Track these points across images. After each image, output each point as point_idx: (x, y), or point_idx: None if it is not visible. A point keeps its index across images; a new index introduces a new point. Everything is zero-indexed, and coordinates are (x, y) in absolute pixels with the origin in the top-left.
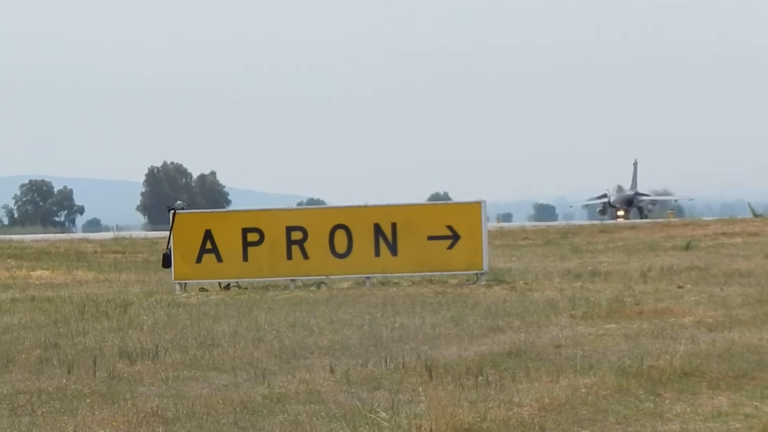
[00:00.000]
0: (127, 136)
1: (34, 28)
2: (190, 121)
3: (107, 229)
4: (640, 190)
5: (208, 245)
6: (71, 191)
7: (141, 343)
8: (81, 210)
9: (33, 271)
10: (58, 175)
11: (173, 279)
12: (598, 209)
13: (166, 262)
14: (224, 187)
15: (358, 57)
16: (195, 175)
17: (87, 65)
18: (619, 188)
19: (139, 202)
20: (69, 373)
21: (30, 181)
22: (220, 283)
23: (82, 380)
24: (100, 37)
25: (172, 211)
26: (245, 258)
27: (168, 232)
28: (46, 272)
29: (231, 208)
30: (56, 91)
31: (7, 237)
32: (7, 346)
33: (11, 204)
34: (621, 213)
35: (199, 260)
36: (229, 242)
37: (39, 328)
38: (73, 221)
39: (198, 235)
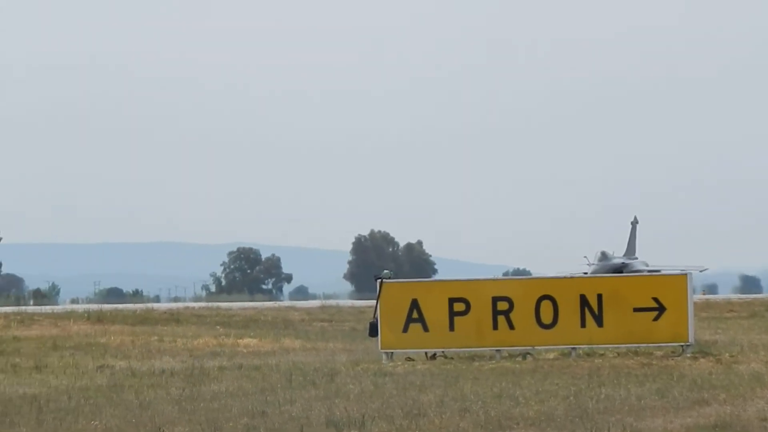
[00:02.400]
0: (334, 205)
1: (246, 103)
2: (396, 190)
3: (314, 297)
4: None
5: (415, 314)
6: (279, 259)
7: (348, 412)
8: (288, 278)
9: (241, 339)
10: (266, 243)
11: (380, 348)
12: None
13: (373, 331)
14: (430, 256)
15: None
16: (401, 244)
17: (295, 138)
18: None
19: (345, 271)
20: None
21: (238, 248)
22: (426, 353)
23: None
24: (307, 110)
25: (379, 280)
26: (451, 328)
27: (375, 301)
28: (254, 340)
29: (437, 277)
30: (264, 160)
31: (215, 305)
32: (214, 413)
33: (219, 272)
34: None
35: (405, 329)
36: (435, 312)
37: (246, 396)
38: (280, 289)
39: (405, 305)
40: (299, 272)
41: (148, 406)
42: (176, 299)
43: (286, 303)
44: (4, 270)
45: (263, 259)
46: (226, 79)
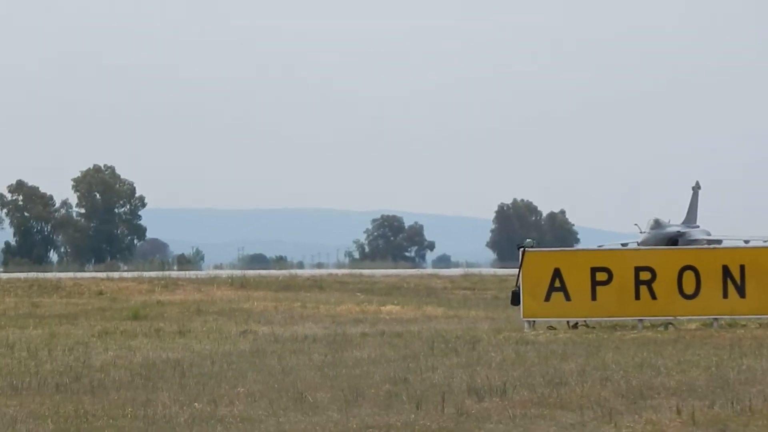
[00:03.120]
0: (478, 174)
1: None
2: (540, 160)
3: (457, 265)
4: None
5: (557, 283)
6: (422, 227)
7: (489, 380)
8: (431, 246)
9: (383, 305)
10: (409, 211)
11: (522, 317)
12: None
13: (515, 299)
14: (573, 225)
15: None
16: (544, 213)
17: (454, 103)
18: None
19: (488, 239)
20: (418, 408)
21: (382, 216)
22: (568, 322)
23: (431, 416)
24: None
25: (522, 249)
26: (593, 297)
27: (517, 270)
28: (396, 307)
29: (579, 246)
30: (413, 131)
31: (358, 271)
32: (357, 380)
33: (363, 239)
34: None
35: (547, 298)
36: (577, 281)
37: (388, 362)
38: (423, 257)
39: (547, 274)
40: (442, 240)
41: (291, 371)
42: (319, 266)
43: (429, 271)
44: (149, 235)
45: (406, 227)
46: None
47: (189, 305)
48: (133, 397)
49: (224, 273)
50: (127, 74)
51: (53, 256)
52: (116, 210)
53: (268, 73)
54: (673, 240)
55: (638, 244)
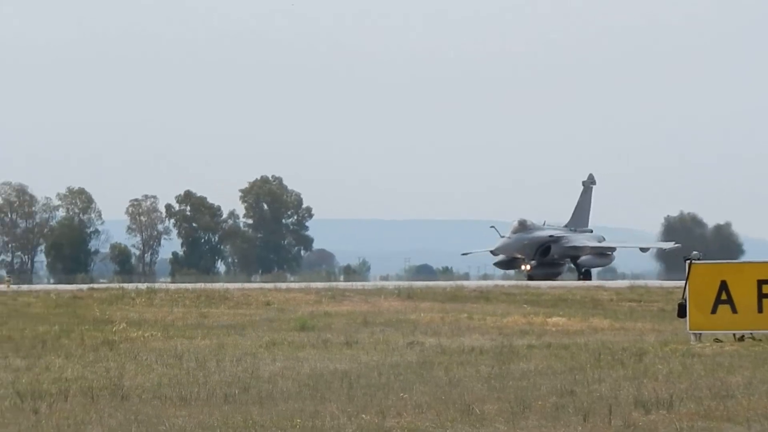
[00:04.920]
0: (644, 186)
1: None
2: (706, 170)
3: (623, 277)
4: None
5: (723, 296)
6: None
7: (656, 392)
8: None
9: (549, 317)
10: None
11: (688, 329)
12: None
13: (682, 311)
14: (739, 237)
15: None
16: (710, 225)
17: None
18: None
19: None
20: (584, 420)
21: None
22: (734, 334)
23: (598, 428)
24: None
25: (688, 262)
26: (760, 309)
27: (684, 282)
28: (562, 319)
29: (745, 259)
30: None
31: (524, 283)
32: (523, 391)
33: None
34: (526, 268)
35: (714, 311)
36: (744, 293)
37: (555, 374)
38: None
39: (713, 286)
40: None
41: (458, 383)
42: (485, 277)
43: (595, 282)
44: (316, 245)
45: None
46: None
47: (356, 316)
48: (301, 408)
49: (391, 284)
50: (303, 84)
51: (221, 267)
52: (284, 220)
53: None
54: (545, 246)
55: (492, 252)
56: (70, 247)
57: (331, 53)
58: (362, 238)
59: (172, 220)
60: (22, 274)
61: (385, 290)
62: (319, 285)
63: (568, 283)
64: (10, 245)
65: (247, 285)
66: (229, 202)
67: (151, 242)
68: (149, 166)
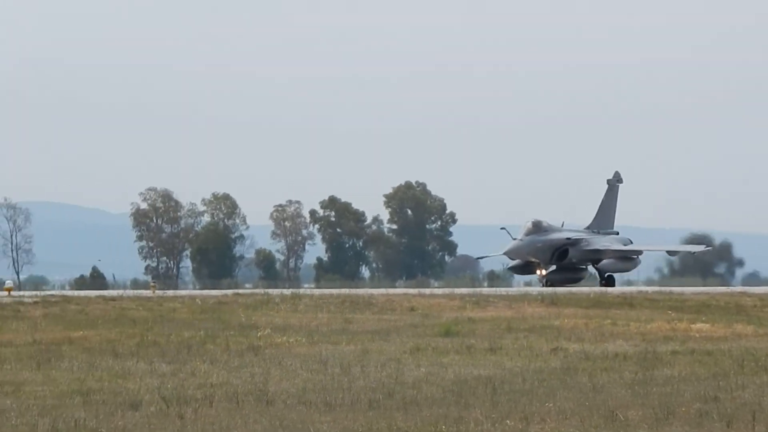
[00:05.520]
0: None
1: None
2: None
3: (767, 283)
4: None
5: None
6: (730, 244)
7: None
8: (740, 263)
9: (693, 323)
10: (718, 229)
11: None
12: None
13: None
14: None
15: None
16: None
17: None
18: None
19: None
20: (728, 427)
21: (690, 234)
22: None
23: None
24: None
25: None
26: None
27: None
28: (706, 325)
29: None
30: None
31: (668, 289)
32: (667, 398)
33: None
34: (542, 273)
35: None
36: None
37: (698, 381)
38: (732, 274)
39: None
40: (752, 258)
41: (601, 389)
42: (629, 283)
43: (739, 288)
44: (459, 251)
45: (717, 244)
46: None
47: (500, 322)
48: (446, 414)
49: (534, 290)
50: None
51: (365, 272)
52: (427, 226)
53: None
54: (562, 250)
55: (505, 254)
56: (215, 252)
57: (472, 59)
58: (506, 243)
59: (317, 226)
60: (167, 279)
61: (529, 296)
62: (463, 291)
63: (711, 289)
64: (155, 250)
65: (391, 290)
66: (374, 207)
67: (296, 247)
68: (293, 172)
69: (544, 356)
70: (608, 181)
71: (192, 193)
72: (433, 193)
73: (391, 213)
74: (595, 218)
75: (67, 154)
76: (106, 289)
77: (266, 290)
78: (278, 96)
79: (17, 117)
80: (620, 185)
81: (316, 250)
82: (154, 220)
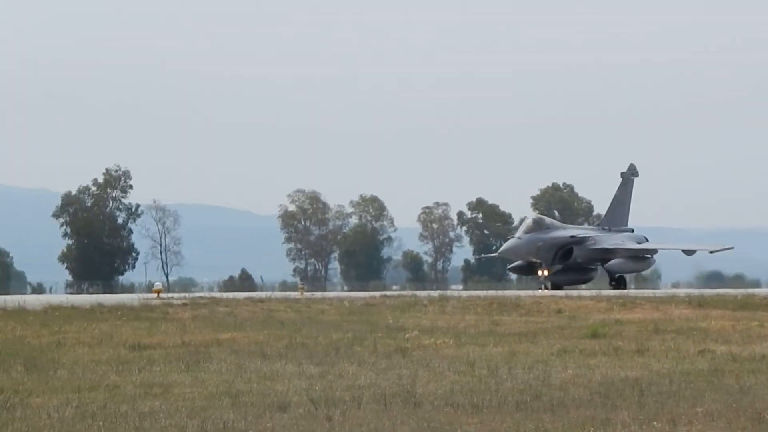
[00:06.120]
0: None
1: None
2: None
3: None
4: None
5: None
6: None
7: None
8: None
9: None
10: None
11: None
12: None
13: None
14: None
15: None
16: None
17: None
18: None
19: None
20: None
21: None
22: None
23: None
24: None
25: None
26: None
27: None
28: None
29: None
30: None
31: None
32: None
33: None
34: (543, 274)
35: None
36: None
37: None
38: None
39: None
40: None
41: (749, 391)
42: None
43: None
44: None
45: None
46: None
47: (647, 324)
48: (593, 416)
49: (682, 291)
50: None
51: (512, 274)
52: None
53: None
54: (566, 249)
55: (500, 254)
56: (363, 254)
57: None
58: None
59: (464, 228)
60: (315, 281)
61: (676, 298)
62: (611, 293)
63: None
64: (303, 252)
65: (537, 292)
66: (521, 209)
67: (443, 249)
68: (441, 174)
69: (692, 358)
70: (622, 174)
71: (339, 196)
72: (580, 195)
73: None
74: (606, 214)
75: (217, 158)
76: (254, 290)
77: (414, 292)
78: (424, 99)
79: (176, 124)
80: (635, 179)
81: (463, 252)
82: (302, 222)
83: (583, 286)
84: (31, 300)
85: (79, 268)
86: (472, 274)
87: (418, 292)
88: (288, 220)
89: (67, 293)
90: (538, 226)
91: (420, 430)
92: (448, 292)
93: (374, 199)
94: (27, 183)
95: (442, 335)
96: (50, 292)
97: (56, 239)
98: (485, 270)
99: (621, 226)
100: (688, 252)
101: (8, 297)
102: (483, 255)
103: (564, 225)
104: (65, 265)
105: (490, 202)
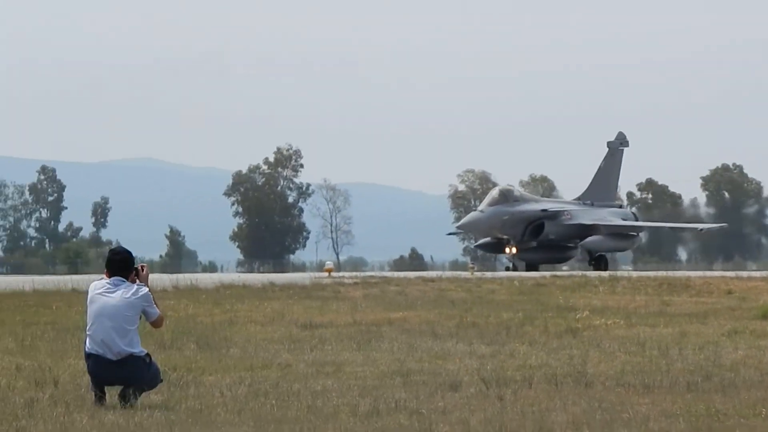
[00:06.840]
0: None
1: None
2: None
3: None
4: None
5: None
6: None
7: None
8: None
9: None
10: None
11: None
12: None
13: None
14: None
15: None
16: None
17: None
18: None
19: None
20: None
21: None
22: None
23: None
24: None
25: None
26: None
27: None
28: None
29: None
30: None
31: None
32: None
33: None
34: (511, 252)
35: None
36: None
37: None
38: None
39: None
40: None
41: None
42: None
43: None
44: None
45: None
46: None
47: None
48: (764, 397)
49: None
50: None
51: (682, 254)
52: (743, 210)
53: None
54: (537, 223)
55: (458, 228)
56: None
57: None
58: None
59: (633, 208)
60: (485, 261)
61: None
62: None
63: None
64: None
65: (708, 273)
66: (691, 189)
67: None
68: None
69: None
70: (609, 144)
71: (509, 175)
72: (749, 175)
73: (708, 196)
74: (589, 187)
75: (387, 137)
76: (424, 270)
77: (584, 272)
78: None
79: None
80: (624, 149)
81: None
82: (472, 202)
83: (565, 266)
84: (203, 278)
85: (250, 247)
86: (642, 254)
87: (588, 273)
88: (457, 200)
89: (238, 272)
90: (504, 198)
91: (591, 410)
92: (618, 273)
93: (544, 179)
94: (192, 162)
95: (612, 315)
96: (222, 270)
97: (227, 218)
98: (655, 250)
99: (607, 201)
100: (676, 230)
101: (180, 275)
102: (451, 232)
103: (537, 198)
104: (236, 243)
105: (660, 183)
